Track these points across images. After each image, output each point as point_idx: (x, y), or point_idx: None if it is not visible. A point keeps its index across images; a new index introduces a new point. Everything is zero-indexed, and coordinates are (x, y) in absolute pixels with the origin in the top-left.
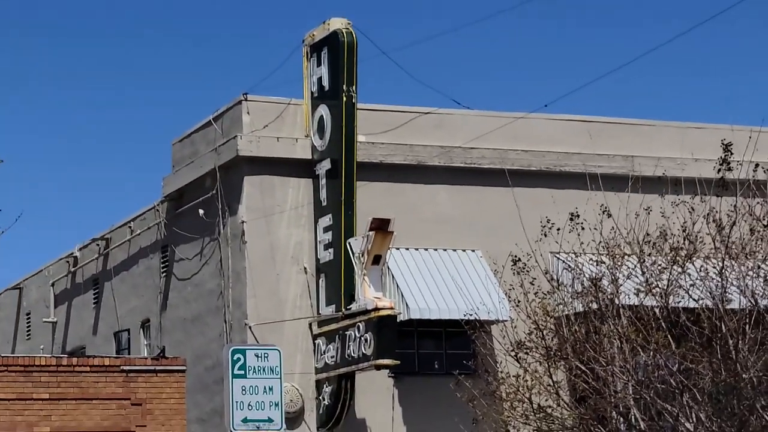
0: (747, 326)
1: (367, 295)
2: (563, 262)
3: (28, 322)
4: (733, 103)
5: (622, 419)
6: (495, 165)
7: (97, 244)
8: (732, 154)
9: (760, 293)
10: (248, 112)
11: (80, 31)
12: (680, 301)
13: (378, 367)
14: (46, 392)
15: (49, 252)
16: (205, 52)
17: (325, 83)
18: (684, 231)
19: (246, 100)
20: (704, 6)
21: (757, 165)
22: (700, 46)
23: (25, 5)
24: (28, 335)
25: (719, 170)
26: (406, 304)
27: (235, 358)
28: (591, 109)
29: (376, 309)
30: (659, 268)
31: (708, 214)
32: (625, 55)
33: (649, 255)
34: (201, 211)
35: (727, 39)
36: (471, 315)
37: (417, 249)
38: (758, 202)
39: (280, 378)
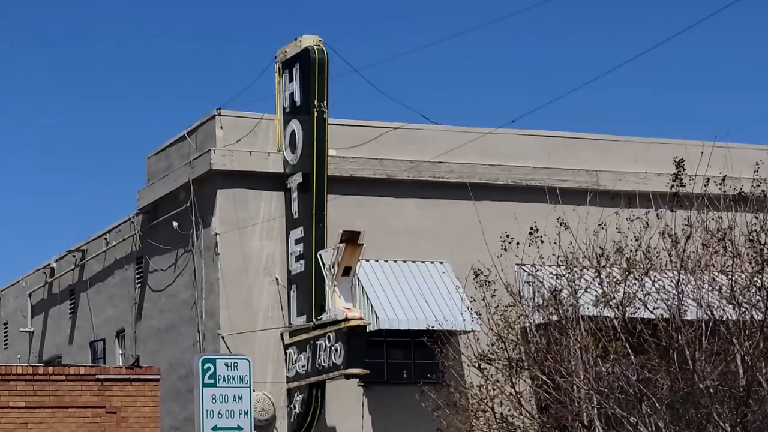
0: (703, 337)
1: (338, 305)
2: (527, 273)
3: (5, 332)
4: (691, 118)
5: (584, 428)
6: (463, 179)
7: (74, 256)
8: (684, 170)
9: (716, 305)
10: (221, 127)
11: (57, 41)
12: (636, 312)
13: (348, 376)
14: (23, 400)
15: (26, 263)
16: (179, 67)
17: (297, 98)
18: (639, 245)
19: (219, 115)
20: (665, 25)
21: (708, 180)
22: (660, 64)
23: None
24: (5, 344)
25: (672, 186)
26: (376, 315)
27: (205, 367)
28: (556, 125)
29: (347, 319)
30: (616, 280)
31: (663, 231)
32: (589, 72)
33: (604, 267)
34: (175, 224)
35: (685, 57)
36: (437, 326)
37: (386, 261)
38: (712, 218)
39: (250, 387)
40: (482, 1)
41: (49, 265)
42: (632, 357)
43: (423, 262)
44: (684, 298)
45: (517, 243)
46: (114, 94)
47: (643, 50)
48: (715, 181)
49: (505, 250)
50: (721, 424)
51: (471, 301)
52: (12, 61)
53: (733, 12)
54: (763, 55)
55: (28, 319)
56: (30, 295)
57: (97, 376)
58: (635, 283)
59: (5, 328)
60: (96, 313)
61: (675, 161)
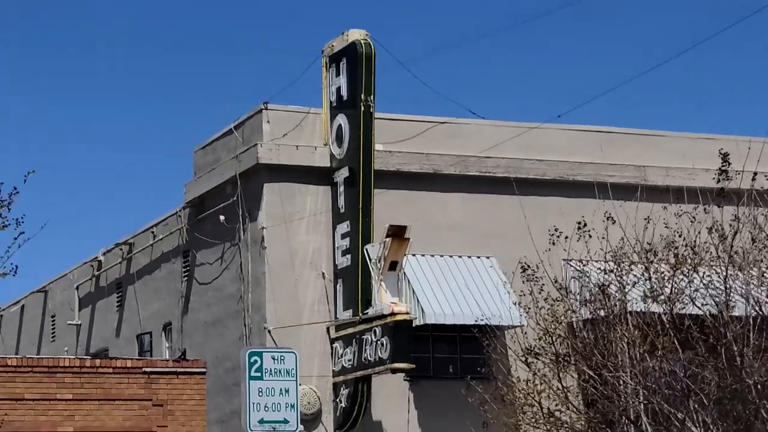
0: (751, 333)
1: (384, 300)
2: (573, 268)
3: (53, 325)
4: (740, 114)
5: (630, 424)
6: (509, 174)
7: (121, 249)
8: (730, 163)
9: (764, 301)
10: (268, 121)
11: (104, 40)
12: (684, 308)
13: (394, 371)
14: (70, 393)
15: (74, 256)
16: (226, 62)
17: (344, 93)
18: (683, 240)
19: (266, 109)
20: (712, 21)
21: (755, 175)
22: (707, 60)
23: (32, 15)
24: (52, 337)
25: (719, 180)
26: (422, 309)
27: (252, 360)
28: (603, 120)
29: (393, 314)
30: (664, 276)
31: (712, 227)
32: (637, 66)
33: (652, 263)
34: (222, 217)
35: (734, 51)
36: (484, 321)
37: (432, 255)
38: (761, 213)
39: (296, 380)
40: None
41: (96, 258)
42: (680, 353)
43: (469, 256)
44: (732, 294)
45: (566, 237)
46: (162, 89)
47: (692, 44)
48: (766, 176)
49: (553, 244)
50: None
51: (520, 296)
52: (62, 61)
53: None
54: None
55: (76, 312)
56: (77, 288)
57: (143, 369)
58: (683, 279)
59: (53, 321)
60: (143, 306)
61: (721, 154)
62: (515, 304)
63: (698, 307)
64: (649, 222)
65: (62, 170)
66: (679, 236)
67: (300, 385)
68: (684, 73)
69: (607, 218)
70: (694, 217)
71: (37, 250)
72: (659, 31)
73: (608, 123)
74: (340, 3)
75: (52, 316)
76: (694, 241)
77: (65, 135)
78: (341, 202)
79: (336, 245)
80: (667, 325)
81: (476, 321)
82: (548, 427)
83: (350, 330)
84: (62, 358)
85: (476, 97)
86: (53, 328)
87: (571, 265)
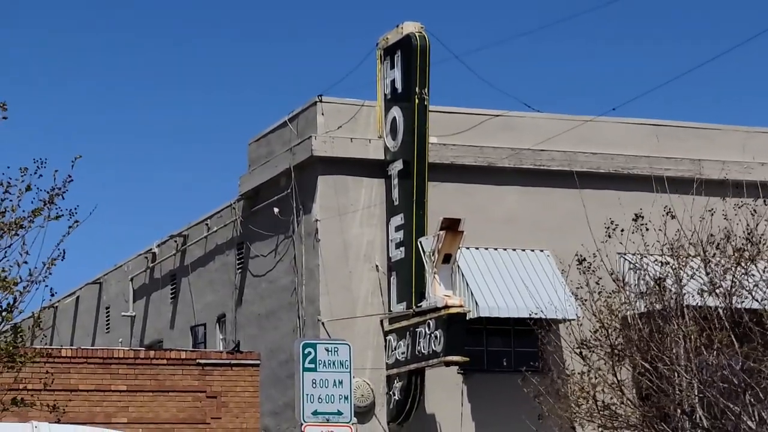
0: None
1: (438, 293)
2: (629, 262)
3: (107, 316)
4: None
5: (686, 417)
6: (563, 167)
7: (175, 241)
8: None
9: None
10: (323, 114)
11: (160, 33)
12: (743, 302)
13: (447, 364)
14: (124, 384)
15: (128, 248)
16: (280, 54)
17: (398, 85)
18: (747, 233)
19: (321, 101)
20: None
21: None
22: (762, 53)
23: (105, 6)
24: (107, 329)
25: None
26: (476, 303)
27: (305, 351)
28: (658, 113)
29: (446, 307)
30: (723, 269)
31: None
32: (692, 59)
33: (713, 256)
34: (276, 210)
35: None
36: (538, 313)
37: (486, 248)
38: None
39: (350, 372)
40: None
41: (150, 250)
42: (736, 346)
43: (523, 250)
44: None
45: (622, 230)
46: (216, 81)
47: (748, 37)
48: None
49: (609, 237)
50: None
51: (577, 288)
52: (120, 53)
53: None
54: None
55: (130, 303)
56: (132, 280)
57: (197, 361)
58: (742, 272)
59: (107, 313)
60: (197, 298)
61: None
62: (571, 296)
63: (757, 301)
64: (712, 213)
65: (115, 160)
66: (745, 229)
67: (353, 377)
68: (739, 67)
69: (667, 213)
70: (755, 210)
71: (91, 241)
72: (710, 25)
73: (664, 116)
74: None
75: (107, 308)
76: (753, 234)
77: (118, 125)
78: (395, 194)
79: (390, 238)
80: (724, 319)
81: (530, 314)
82: (603, 420)
83: (404, 323)
84: (116, 349)
85: (531, 89)
86: (108, 320)
87: (626, 259)
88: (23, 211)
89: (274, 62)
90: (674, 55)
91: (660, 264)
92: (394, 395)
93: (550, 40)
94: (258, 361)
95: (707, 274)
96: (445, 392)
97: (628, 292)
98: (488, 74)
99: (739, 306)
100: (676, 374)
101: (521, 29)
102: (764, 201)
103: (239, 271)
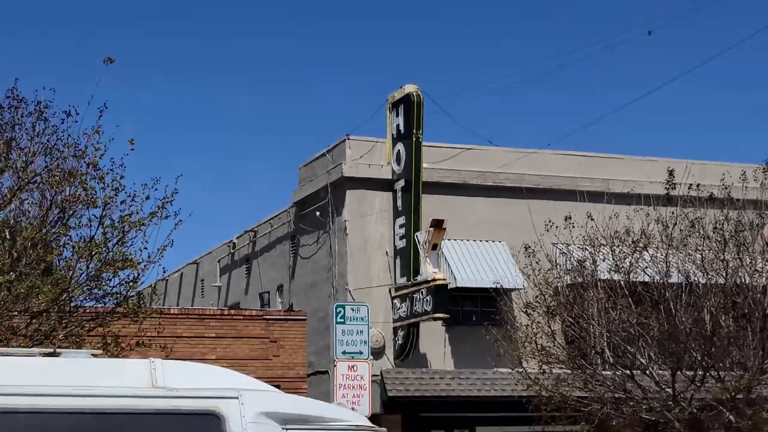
0: (682, 294)
1: (428, 270)
2: (560, 250)
3: (202, 287)
4: (678, 141)
5: (598, 356)
6: (515, 184)
7: (248, 234)
8: (673, 177)
9: (692, 272)
10: (349, 147)
11: (250, 84)
12: (638, 277)
13: (435, 319)
14: (213, 332)
15: (216, 239)
16: (322, 104)
17: (401, 128)
18: (641, 230)
19: (348, 139)
20: (676, 64)
21: (690, 185)
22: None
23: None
24: (202, 295)
25: (666, 188)
26: (454, 277)
27: (337, 311)
28: (581, 146)
29: (434, 280)
30: (624, 254)
31: (657, 220)
32: (604, 108)
33: (618, 246)
34: (317, 213)
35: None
36: (497, 285)
37: (461, 240)
38: (690, 211)
39: (368, 325)
40: (535, 54)
41: (231, 240)
42: (633, 308)
43: (487, 241)
44: (670, 267)
45: (555, 227)
46: (283, 124)
47: (632, 98)
48: (695, 186)
49: (547, 231)
50: (694, 354)
51: (524, 267)
52: (222, 101)
53: None
54: None
55: (217, 277)
56: (219, 261)
57: (263, 317)
58: (637, 257)
59: (202, 284)
60: (263, 274)
61: (668, 171)
62: (519, 273)
63: (648, 276)
64: (614, 217)
65: (207, 176)
66: (638, 226)
67: (370, 328)
68: (637, 115)
69: (587, 216)
70: (647, 214)
71: (190, 234)
72: (614, 80)
73: (584, 149)
74: (402, 56)
75: (201, 280)
76: (644, 230)
77: (211, 145)
78: (399, 203)
79: (395, 233)
80: (625, 289)
81: (492, 285)
82: (541, 357)
83: (404, 291)
84: (208, 309)
85: (494, 128)
86: (202, 289)
87: (558, 247)
88: (144, 214)
89: (318, 109)
90: (592, 103)
91: (581, 251)
92: (398, 340)
93: (509, 91)
94: (305, 318)
95: (613, 258)
96: (433, 339)
97: (558, 270)
98: (464, 119)
99: (635, 280)
100: (591, 326)
101: (492, 80)
102: (653, 208)
103: (292, 255)
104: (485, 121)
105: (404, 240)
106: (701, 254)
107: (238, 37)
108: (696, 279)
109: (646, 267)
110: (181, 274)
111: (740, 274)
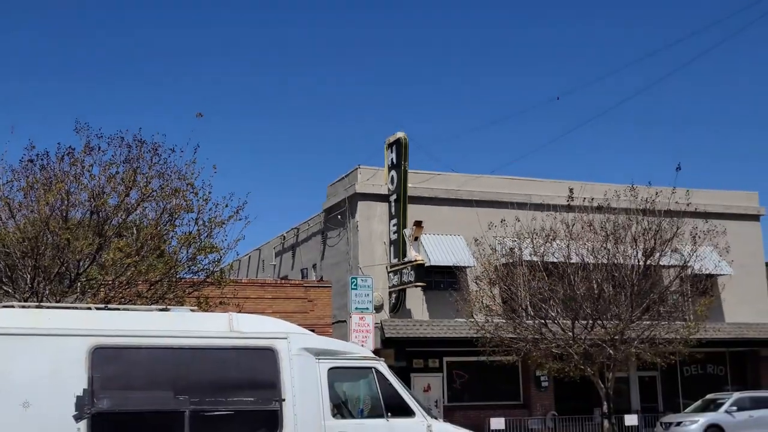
0: (579, 270)
1: (411, 254)
2: (498, 241)
3: (263, 266)
4: (577, 168)
5: (523, 310)
6: (471, 197)
7: (293, 231)
8: (573, 193)
9: (585, 255)
10: (360, 173)
11: (283, 116)
12: (550, 258)
13: (416, 286)
14: (270, 295)
15: (271, 233)
16: (341, 140)
17: (395, 161)
18: (550, 229)
19: (359, 168)
20: (590, 105)
21: (584, 198)
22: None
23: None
24: (263, 271)
25: (567, 201)
26: (429, 258)
27: (352, 281)
28: (514, 171)
29: (415, 260)
30: (540, 244)
31: (562, 220)
32: (537, 145)
33: (536, 238)
34: (339, 217)
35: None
36: (458, 264)
37: (434, 234)
38: (584, 215)
39: (372, 290)
40: (499, 100)
41: (282, 234)
42: (546, 279)
43: (450, 235)
44: (571, 253)
45: (495, 226)
46: (316, 151)
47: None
48: (585, 198)
49: (489, 228)
50: (587, 310)
51: (474, 252)
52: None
53: None
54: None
55: (272, 258)
56: (274, 248)
57: (303, 285)
58: (549, 245)
59: (263, 264)
60: (303, 256)
61: (569, 189)
62: (472, 256)
63: (555, 258)
64: (535, 220)
65: (262, 182)
66: (549, 225)
67: (374, 292)
68: (582, 140)
69: (516, 219)
70: (555, 217)
71: (255, 230)
72: (563, 110)
73: (516, 174)
74: (390, 114)
75: (262, 261)
76: (552, 228)
77: (259, 165)
78: (393, 210)
79: (390, 230)
80: (540, 266)
81: (454, 264)
82: (485, 312)
83: (396, 268)
84: (266, 279)
85: (456, 159)
86: (263, 267)
87: (496, 240)
88: (224, 217)
89: (339, 143)
90: (525, 143)
91: (512, 242)
92: (392, 300)
93: (471, 133)
94: (330, 285)
95: (533, 246)
96: (415, 299)
97: (497, 254)
98: (437, 152)
99: (547, 261)
100: (518, 291)
101: (463, 126)
102: (559, 213)
103: (322, 244)
104: (450, 154)
105: (396, 234)
106: (592, 244)
107: (292, 76)
108: (588, 260)
109: (554, 252)
110: (249, 256)
111: (617, 257)
